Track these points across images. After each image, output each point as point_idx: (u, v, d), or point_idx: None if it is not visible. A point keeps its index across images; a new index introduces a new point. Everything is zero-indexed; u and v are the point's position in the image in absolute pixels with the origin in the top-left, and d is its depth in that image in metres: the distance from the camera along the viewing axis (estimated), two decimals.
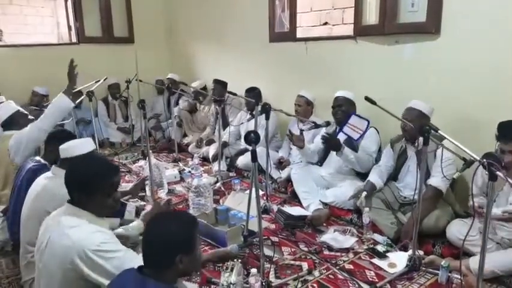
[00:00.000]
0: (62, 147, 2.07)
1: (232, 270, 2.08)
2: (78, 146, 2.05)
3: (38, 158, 2.54)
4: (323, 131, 3.37)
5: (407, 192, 2.79)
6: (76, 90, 3.92)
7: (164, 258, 1.33)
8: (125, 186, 3.48)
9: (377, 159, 3.11)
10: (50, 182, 2.05)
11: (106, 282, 1.46)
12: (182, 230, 1.37)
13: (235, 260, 2.16)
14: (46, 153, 2.53)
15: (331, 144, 3.06)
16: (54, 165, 2.15)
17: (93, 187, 1.60)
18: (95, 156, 1.92)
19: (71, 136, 2.41)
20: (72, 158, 1.97)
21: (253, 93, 4.02)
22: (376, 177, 2.91)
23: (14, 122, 2.96)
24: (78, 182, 1.61)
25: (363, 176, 3.19)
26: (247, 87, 4.20)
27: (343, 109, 3.18)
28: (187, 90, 5.13)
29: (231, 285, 2.02)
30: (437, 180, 2.55)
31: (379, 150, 3.15)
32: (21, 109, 3.11)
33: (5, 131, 2.94)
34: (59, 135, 2.43)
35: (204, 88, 4.92)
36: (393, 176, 2.95)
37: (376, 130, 3.15)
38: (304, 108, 3.71)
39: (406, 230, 2.59)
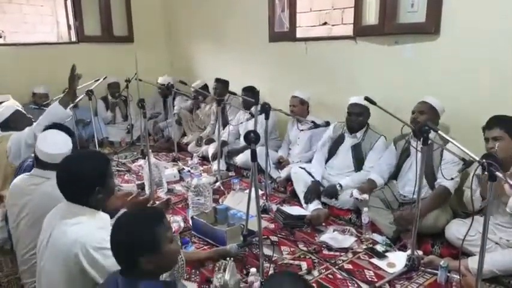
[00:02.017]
0: (41, 149, 2.00)
1: (224, 270, 2.05)
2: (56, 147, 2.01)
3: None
4: (327, 132, 3.39)
5: (407, 189, 2.78)
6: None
7: (127, 261, 1.31)
8: (126, 187, 3.50)
9: None
10: (44, 186, 1.98)
11: (102, 280, 1.46)
12: (143, 229, 1.31)
13: (227, 259, 2.13)
14: None
15: (328, 195, 3.09)
16: (36, 167, 2.08)
17: (104, 178, 1.65)
18: (85, 151, 1.90)
19: (68, 132, 2.40)
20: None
21: (252, 92, 4.01)
22: (376, 176, 2.92)
23: (12, 122, 2.96)
24: (90, 178, 1.61)
25: None
26: (244, 86, 4.20)
27: (361, 119, 3.15)
28: (187, 90, 5.13)
29: (228, 285, 1.99)
30: (448, 181, 2.54)
31: None
32: (21, 109, 3.10)
33: (3, 131, 2.94)
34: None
35: (205, 86, 4.90)
36: (394, 175, 2.96)
37: (385, 138, 3.13)
38: (299, 108, 3.70)
39: (407, 214, 2.56)
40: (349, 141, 3.25)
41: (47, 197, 1.89)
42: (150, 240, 1.30)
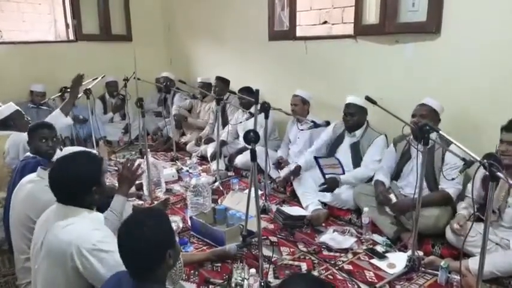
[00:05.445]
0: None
1: (243, 269, 2.11)
2: None
3: (26, 154, 2.49)
4: (325, 133, 3.37)
5: (408, 191, 2.77)
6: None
7: (155, 258, 1.29)
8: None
9: None
10: (35, 187, 1.99)
11: (97, 283, 1.44)
12: (162, 227, 1.33)
13: (243, 263, 2.17)
14: (32, 149, 2.45)
15: (330, 187, 3.02)
16: (40, 167, 2.08)
17: (99, 177, 1.65)
18: (76, 152, 1.87)
19: (47, 125, 2.43)
20: None
21: (248, 92, 3.98)
22: (383, 177, 2.88)
23: (10, 122, 2.94)
24: (87, 180, 1.60)
25: None
26: (241, 87, 4.17)
27: (356, 118, 3.16)
28: (186, 89, 5.11)
29: (245, 280, 2.02)
30: (450, 188, 2.55)
31: None
32: (20, 109, 3.09)
33: (1, 129, 2.91)
34: (36, 126, 2.45)
35: (209, 84, 4.87)
36: (394, 176, 2.94)
37: (386, 136, 3.12)
38: (301, 107, 3.68)
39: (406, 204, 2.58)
40: (348, 140, 3.25)
41: (27, 196, 1.97)
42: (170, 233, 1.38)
